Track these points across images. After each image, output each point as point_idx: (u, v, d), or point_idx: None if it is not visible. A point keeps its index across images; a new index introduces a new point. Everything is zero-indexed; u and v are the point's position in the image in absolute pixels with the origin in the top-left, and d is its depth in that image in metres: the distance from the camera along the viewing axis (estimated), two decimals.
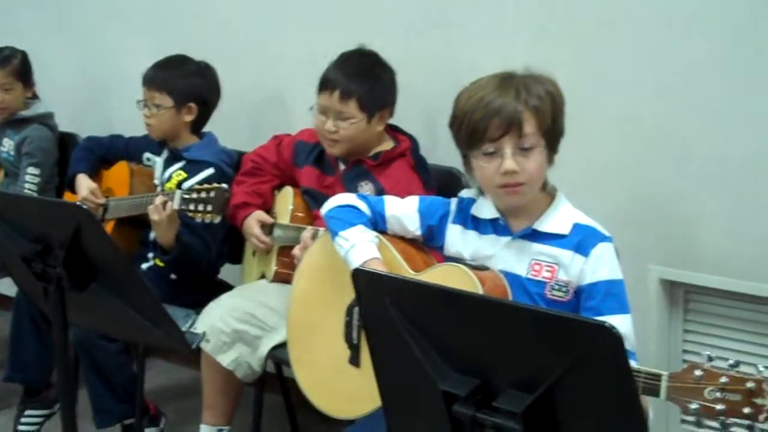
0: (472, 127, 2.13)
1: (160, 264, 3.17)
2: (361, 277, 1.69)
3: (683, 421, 2.86)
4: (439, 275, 2.24)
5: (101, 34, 4.18)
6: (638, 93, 2.80)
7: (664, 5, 2.72)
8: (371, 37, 3.03)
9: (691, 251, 2.78)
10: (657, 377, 1.78)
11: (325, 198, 2.52)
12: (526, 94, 2.12)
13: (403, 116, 2.99)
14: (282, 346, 2.80)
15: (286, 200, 3.04)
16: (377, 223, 2.40)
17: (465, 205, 2.34)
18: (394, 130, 2.96)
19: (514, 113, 2.10)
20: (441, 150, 2.83)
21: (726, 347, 2.77)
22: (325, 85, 2.84)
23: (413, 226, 2.38)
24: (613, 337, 1.39)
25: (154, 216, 2.96)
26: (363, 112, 2.81)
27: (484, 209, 2.29)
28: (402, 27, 3.23)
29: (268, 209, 3.09)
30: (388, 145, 2.90)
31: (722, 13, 2.62)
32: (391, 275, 1.97)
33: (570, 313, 2.06)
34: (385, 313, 1.62)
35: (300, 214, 2.99)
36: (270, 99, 3.63)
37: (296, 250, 2.63)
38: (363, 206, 2.39)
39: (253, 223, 3.02)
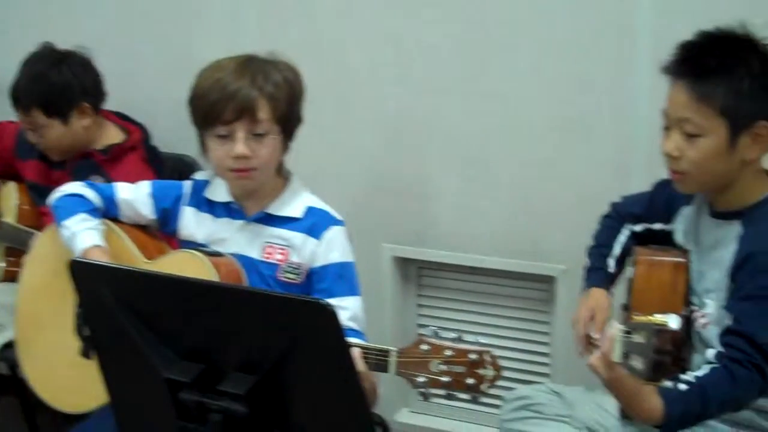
0: (207, 108, 2.12)
1: None
2: (77, 268, 1.64)
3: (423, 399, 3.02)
4: (173, 263, 2.21)
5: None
6: (377, 77, 2.87)
7: None
8: (98, 25, 2.96)
9: (423, 229, 2.90)
10: (386, 353, 1.84)
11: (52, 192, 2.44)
12: (263, 80, 2.12)
13: (133, 103, 2.92)
14: (12, 345, 2.69)
15: (10, 196, 2.91)
16: (109, 210, 2.34)
17: (199, 188, 2.32)
18: (123, 119, 2.88)
19: (249, 99, 2.10)
20: (172, 136, 2.80)
21: (457, 318, 2.92)
22: (13, 100, 2.76)
23: (146, 210, 2.34)
24: (328, 313, 1.42)
25: None
26: (52, 117, 2.73)
27: (218, 192, 2.28)
28: (137, 15, 3.17)
29: None
30: (117, 137, 2.83)
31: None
32: (108, 264, 1.94)
33: (288, 293, 2.09)
34: (105, 303, 1.58)
35: (26, 208, 2.88)
36: None
37: None
38: (90, 194, 2.33)
39: None
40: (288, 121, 2.18)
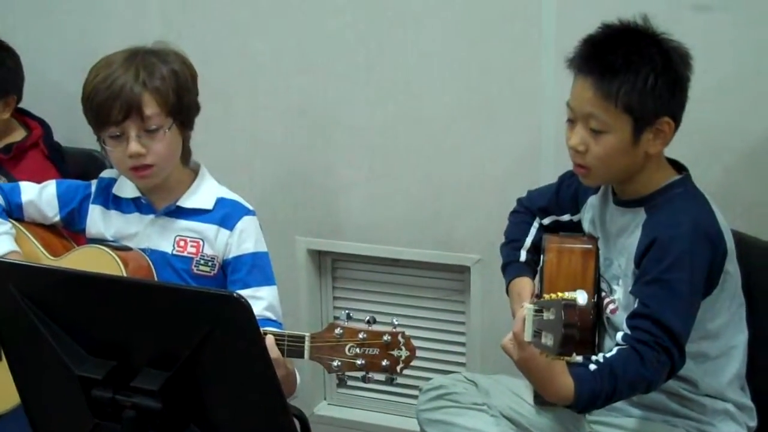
0: (96, 110, 2.09)
1: None
2: None
3: (339, 385, 3.03)
4: (80, 258, 2.17)
5: None
6: (281, 67, 2.86)
7: None
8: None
9: (336, 221, 2.90)
10: (300, 338, 1.85)
11: None
12: (146, 74, 2.09)
13: (38, 97, 2.86)
14: None
15: None
16: (12, 212, 2.29)
17: (106, 185, 2.28)
18: (22, 114, 2.82)
19: (133, 96, 2.07)
20: (78, 131, 2.74)
21: (373, 310, 2.91)
22: None
23: (52, 212, 2.29)
24: (241, 306, 1.42)
25: None
26: None
27: (126, 188, 2.25)
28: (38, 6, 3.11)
29: None
30: (18, 134, 2.77)
31: None
32: (13, 261, 1.90)
33: (200, 286, 2.08)
34: (13, 301, 1.55)
35: None
36: None
37: None
38: None
39: None
40: (180, 112, 2.15)
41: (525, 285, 2.16)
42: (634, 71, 1.88)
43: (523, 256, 2.23)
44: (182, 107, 2.15)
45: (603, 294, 2.07)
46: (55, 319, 1.56)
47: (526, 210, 2.28)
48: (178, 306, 1.49)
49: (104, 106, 2.07)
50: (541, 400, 2.06)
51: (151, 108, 2.08)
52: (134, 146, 2.09)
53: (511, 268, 2.24)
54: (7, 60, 2.73)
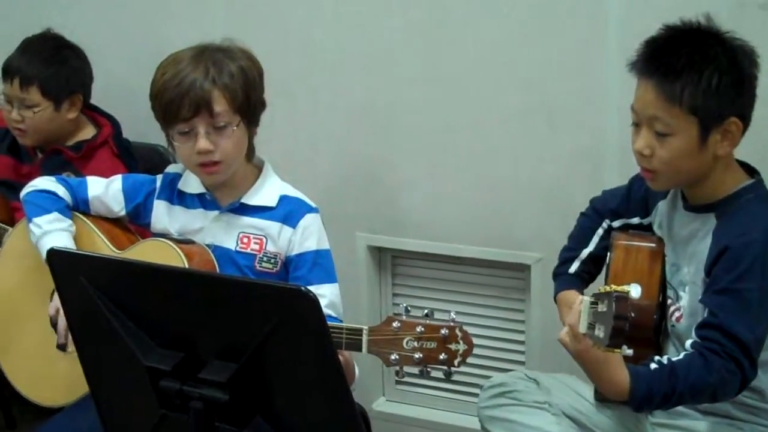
0: (165, 106, 2.11)
1: None
2: (55, 257, 1.63)
3: (398, 381, 3.04)
4: (144, 251, 2.20)
5: None
6: (344, 63, 2.87)
7: None
8: (61, 15, 2.93)
9: (396, 218, 2.90)
10: (358, 332, 1.86)
11: (23, 187, 2.42)
12: (216, 72, 2.10)
13: (106, 93, 2.90)
14: None
15: None
16: (79, 206, 2.34)
17: (171, 181, 2.31)
18: (92, 111, 2.86)
19: (203, 93, 2.09)
20: (144, 126, 2.78)
21: (432, 307, 2.88)
22: (6, 72, 2.71)
23: (118, 207, 2.33)
24: (310, 300, 1.42)
25: None
26: (48, 98, 2.69)
27: (191, 184, 2.28)
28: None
29: None
30: (88, 132, 2.81)
31: None
32: (86, 253, 1.93)
33: (269, 279, 2.10)
34: (83, 292, 1.58)
35: None
36: None
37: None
38: (62, 191, 2.32)
39: None
40: (247, 109, 2.17)
41: (571, 297, 2.12)
42: (698, 71, 1.85)
43: (575, 267, 2.22)
44: (250, 104, 2.17)
45: (669, 301, 2.05)
46: (124, 310, 1.58)
47: (594, 212, 2.26)
48: (246, 299, 1.51)
49: (174, 102, 2.09)
50: (601, 396, 2.05)
51: (220, 105, 2.10)
52: (203, 143, 2.11)
53: (560, 280, 2.24)
54: (71, 59, 2.77)
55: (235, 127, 2.14)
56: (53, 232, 2.23)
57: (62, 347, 2.24)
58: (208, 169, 2.16)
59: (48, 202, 2.28)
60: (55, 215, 2.25)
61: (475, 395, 2.26)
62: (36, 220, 2.25)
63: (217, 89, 2.10)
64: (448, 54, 2.73)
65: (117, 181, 2.35)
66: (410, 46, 2.77)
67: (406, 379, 2.96)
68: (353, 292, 2.91)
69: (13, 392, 2.42)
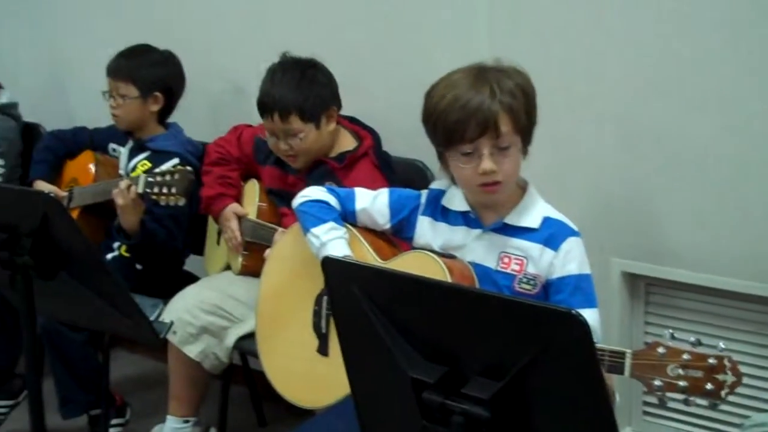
0: (449, 128, 2.12)
1: (125, 254, 3.18)
2: (330, 265, 1.69)
3: (645, 413, 2.95)
4: (407, 263, 2.26)
5: (62, 21, 4.15)
6: (606, 88, 2.80)
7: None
8: (329, 31, 3.02)
9: (653, 244, 2.81)
10: (621, 355, 1.83)
11: (291, 195, 2.53)
12: (500, 91, 2.10)
13: (366, 108, 2.99)
14: (248, 337, 2.83)
15: (253, 195, 3.05)
16: (346, 216, 2.42)
17: (435, 197, 2.35)
18: (353, 123, 2.95)
19: (490, 114, 2.09)
20: (401, 141, 2.84)
21: (686, 340, 2.81)
22: (263, 109, 2.81)
23: (383, 220, 2.40)
24: (579, 324, 1.41)
25: (119, 200, 2.95)
26: (308, 122, 2.78)
27: (455, 201, 2.31)
28: (361, 22, 3.23)
29: (239, 200, 3.09)
30: (350, 143, 2.89)
31: (713, 11, 2.59)
32: (360, 263, 1.99)
33: (537, 300, 2.09)
34: (355, 301, 1.63)
35: (265, 208, 3.00)
36: (230, 89, 3.62)
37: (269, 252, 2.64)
38: (333, 201, 2.41)
39: (231, 215, 3.02)
40: (527, 129, 2.18)
41: None
42: None
43: None
44: (529, 125, 2.17)
45: None
46: (393, 321, 1.62)
47: None
48: (513, 318, 1.51)
49: (459, 124, 2.10)
50: None
51: (505, 125, 2.11)
52: (488, 164, 2.12)
53: None
54: (317, 76, 2.84)
55: (516, 148, 2.15)
56: (332, 240, 2.31)
57: (323, 351, 2.32)
58: (488, 188, 2.17)
59: (323, 211, 2.37)
60: (331, 224, 2.34)
61: None
62: (314, 230, 2.34)
63: (503, 110, 2.10)
64: (704, 68, 2.60)
65: (383, 195, 2.41)
66: (665, 61, 2.66)
67: (655, 411, 2.88)
68: (605, 318, 2.84)
69: (264, 390, 2.52)
